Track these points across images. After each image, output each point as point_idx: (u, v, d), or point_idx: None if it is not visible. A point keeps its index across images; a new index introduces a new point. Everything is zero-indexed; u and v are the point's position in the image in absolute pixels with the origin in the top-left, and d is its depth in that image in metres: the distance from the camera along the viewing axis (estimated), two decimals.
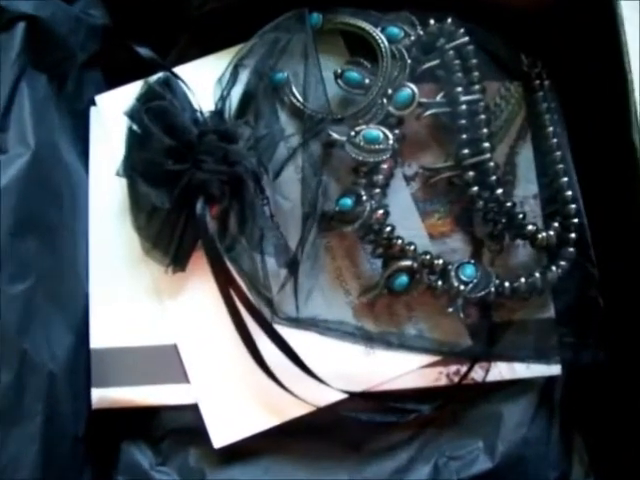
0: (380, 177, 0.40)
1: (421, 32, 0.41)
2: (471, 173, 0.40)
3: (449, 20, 0.41)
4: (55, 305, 0.38)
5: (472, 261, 0.40)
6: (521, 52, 0.44)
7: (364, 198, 0.39)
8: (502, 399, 0.41)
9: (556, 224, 0.41)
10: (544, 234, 0.40)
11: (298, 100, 0.41)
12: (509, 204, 0.40)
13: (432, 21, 0.42)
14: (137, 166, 0.38)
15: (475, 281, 0.39)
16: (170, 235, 0.39)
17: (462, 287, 0.38)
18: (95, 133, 0.42)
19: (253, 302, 0.38)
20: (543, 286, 0.40)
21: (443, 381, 0.41)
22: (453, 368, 0.41)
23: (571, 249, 0.40)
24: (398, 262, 0.39)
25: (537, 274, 0.40)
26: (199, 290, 0.40)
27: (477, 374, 0.41)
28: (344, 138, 0.39)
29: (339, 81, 0.41)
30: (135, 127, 0.39)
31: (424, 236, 0.41)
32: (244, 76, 0.41)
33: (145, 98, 0.39)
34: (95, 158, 0.42)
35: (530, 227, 0.40)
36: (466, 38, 0.41)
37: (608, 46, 0.39)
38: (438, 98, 0.41)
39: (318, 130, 0.40)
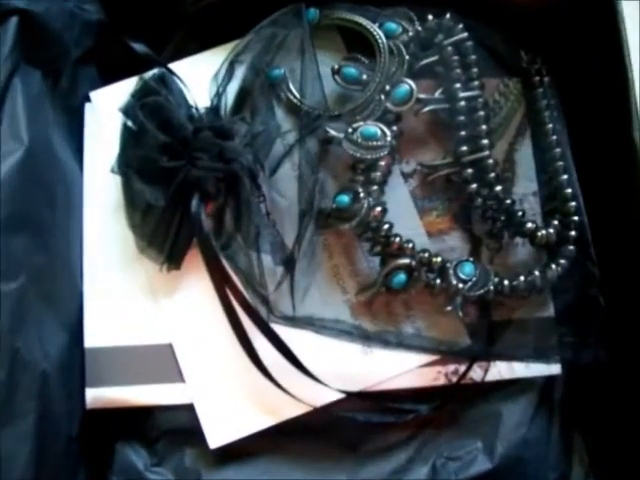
0: (378, 174, 0.39)
1: (419, 28, 0.41)
2: (470, 170, 0.40)
3: (447, 16, 0.41)
4: (48, 303, 0.38)
5: (471, 259, 0.39)
6: (520, 48, 0.43)
7: (361, 195, 0.38)
8: (501, 399, 0.41)
9: (556, 222, 0.40)
10: (544, 232, 0.40)
11: (295, 96, 0.41)
12: (508, 201, 0.40)
13: (430, 17, 0.41)
14: (132, 163, 0.38)
15: (474, 279, 0.38)
16: (165, 233, 0.38)
17: (461, 285, 0.38)
18: (90, 129, 0.42)
19: (249, 300, 0.38)
20: (543, 284, 0.40)
21: (441, 381, 0.40)
22: (451, 367, 0.40)
23: (571, 247, 0.40)
24: (396, 260, 0.39)
25: (537, 272, 0.40)
26: (194, 288, 0.40)
27: (476, 374, 0.40)
28: (341, 135, 0.39)
29: (336, 77, 0.41)
30: (130, 123, 0.38)
31: (422, 234, 0.41)
32: (240, 72, 0.40)
33: (140, 94, 0.38)
34: (89, 155, 0.42)
35: (529, 225, 0.40)
36: (465, 34, 0.41)
37: (609, 42, 0.39)
38: (436, 94, 0.41)
39: (315, 127, 0.39)
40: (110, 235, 0.40)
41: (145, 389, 0.39)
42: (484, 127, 0.40)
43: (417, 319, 0.40)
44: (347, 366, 0.39)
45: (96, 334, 0.40)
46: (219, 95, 0.40)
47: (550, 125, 0.42)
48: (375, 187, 0.39)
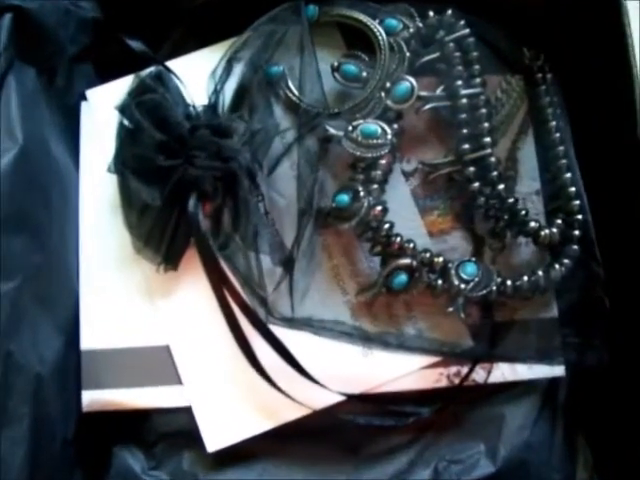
0: (378, 173, 0.39)
1: (420, 24, 0.41)
2: (472, 169, 0.40)
3: (449, 12, 0.41)
4: (43, 305, 0.37)
5: (473, 259, 0.39)
6: (523, 45, 0.43)
7: (362, 194, 0.38)
8: (504, 401, 0.41)
9: (559, 221, 0.40)
10: (547, 231, 0.40)
11: (294, 94, 0.41)
12: (511, 200, 0.40)
13: (431, 13, 0.41)
14: (128, 162, 0.38)
15: (476, 280, 0.38)
16: (162, 233, 0.38)
17: (463, 286, 0.38)
18: (86, 128, 0.42)
19: (247, 302, 0.37)
20: (546, 285, 0.39)
21: (443, 382, 0.40)
22: (454, 369, 0.40)
23: (575, 247, 0.40)
24: (397, 260, 0.38)
25: (540, 272, 0.39)
26: (192, 289, 0.39)
27: (478, 375, 0.40)
28: (341, 133, 0.38)
29: (336, 74, 0.40)
30: (126, 122, 0.38)
31: (424, 233, 0.41)
32: (238, 69, 0.40)
33: (136, 92, 0.38)
34: (86, 154, 0.41)
35: (533, 224, 0.40)
36: (466, 30, 0.41)
37: (612, 39, 0.39)
38: (438, 92, 0.41)
39: (314, 125, 0.39)
40: (106, 235, 0.40)
41: (142, 392, 0.39)
42: (486, 125, 0.40)
43: (418, 320, 0.40)
44: (347, 368, 0.39)
45: (92, 336, 0.39)
46: (217, 93, 0.40)
47: (553, 123, 0.42)
48: (375, 186, 0.39)
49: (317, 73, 0.40)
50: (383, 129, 0.38)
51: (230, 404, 0.39)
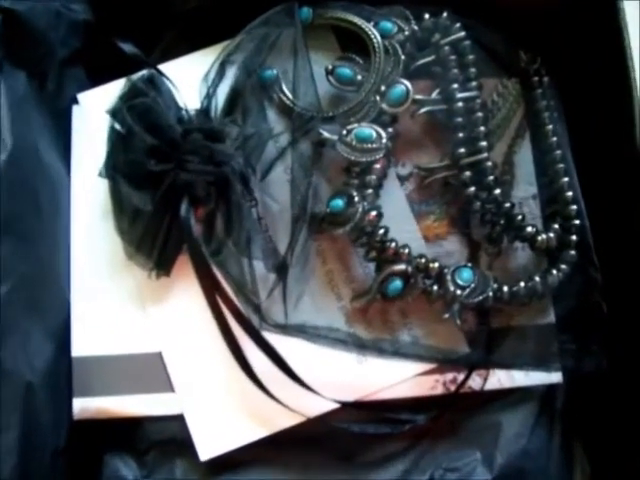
0: (373, 177, 0.39)
1: (415, 27, 0.41)
2: (468, 173, 0.40)
3: (444, 14, 0.41)
4: (34, 312, 0.37)
5: (469, 265, 0.39)
6: (519, 48, 0.43)
7: (356, 199, 0.38)
8: (501, 408, 0.41)
9: (556, 226, 0.40)
10: (544, 236, 0.39)
11: (287, 98, 0.40)
12: (507, 205, 0.40)
13: (427, 15, 0.41)
14: (119, 167, 0.38)
15: (472, 285, 0.38)
16: (153, 238, 0.38)
17: (459, 292, 0.38)
18: (77, 133, 0.41)
19: (240, 308, 0.37)
20: (543, 290, 0.39)
21: (439, 390, 0.40)
22: (450, 376, 0.40)
23: (572, 252, 0.40)
24: (392, 266, 0.38)
25: (537, 278, 0.39)
26: (184, 296, 0.39)
27: (475, 382, 0.40)
28: (335, 137, 0.38)
29: (330, 78, 0.40)
30: (117, 126, 0.38)
31: (419, 239, 0.41)
32: (231, 73, 0.40)
33: (128, 96, 0.38)
34: (77, 159, 0.41)
35: (529, 229, 0.39)
36: (462, 33, 0.40)
37: (610, 42, 0.39)
38: (433, 95, 0.41)
39: (308, 129, 0.39)
40: (98, 241, 0.40)
41: (134, 399, 0.39)
42: (482, 129, 0.40)
43: (414, 327, 0.40)
44: (342, 375, 0.39)
45: (83, 343, 0.39)
46: (209, 96, 0.39)
47: (550, 126, 0.42)
48: (370, 191, 0.39)
49: (311, 76, 0.40)
50: (378, 133, 0.38)
51: (223, 412, 0.39)
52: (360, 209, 0.38)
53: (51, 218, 0.39)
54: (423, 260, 0.38)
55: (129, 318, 0.39)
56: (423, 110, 0.40)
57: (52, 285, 0.39)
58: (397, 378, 0.39)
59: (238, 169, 0.37)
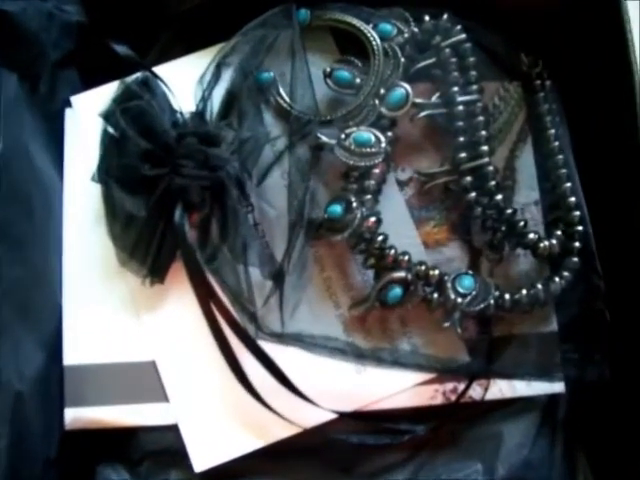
0: (372, 182, 0.38)
1: (415, 29, 0.40)
2: (469, 178, 0.39)
3: (445, 17, 0.40)
4: (24, 320, 0.36)
5: (470, 272, 0.38)
6: (521, 51, 0.43)
7: (355, 205, 0.37)
8: (502, 418, 0.40)
9: (559, 232, 0.40)
10: (546, 243, 0.39)
11: (285, 101, 0.40)
12: (509, 211, 0.39)
13: (427, 17, 0.41)
14: (113, 171, 0.37)
15: (473, 293, 0.38)
16: (147, 245, 0.37)
17: (459, 299, 0.37)
18: (70, 136, 0.41)
19: (236, 317, 0.37)
20: (545, 298, 0.39)
21: (439, 400, 0.39)
22: (450, 386, 0.39)
23: (575, 259, 0.39)
24: (391, 273, 0.38)
25: (539, 285, 0.39)
26: (178, 303, 0.39)
27: (475, 392, 0.39)
28: (333, 141, 0.38)
29: (328, 81, 0.40)
30: (111, 129, 0.37)
31: (419, 245, 0.40)
32: (227, 75, 0.40)
33: (121, 99, 0.37)
34: (70, 163, 0.41)
35: (531, 235, 0.39)
36: (463, 35, 0.40)
37: (613, 45, 0.38)
38: (433, 98, 0.40)
39: (306, 132, 0.39)
40: (91, 247, 0.39)
41: (127, 409, 0.38)
42: (483, 133, 0.40)
43: (413, 335, 0.39)
44: (340, 385, 0.38)
45: (76, 351, 0.39)
46: (205, 100, 0.39)
47: (552, 131, 0.42)
48: (369, 196, 0.38)
49: (309, 79, 0.39)
50: (377, 137, 0.38)
51: (218, 422, 0.38)
52: (359, 215, 0.37)
53: (43, 223, 0.39)
54: (423, 267, 0.38)
55: (122, 326, 0.39)
56: (423, 114, 0.40)
57: (44, 291, 0.39)
58: (396, 388, 0.39)
59: (234, 174, 0.37)
